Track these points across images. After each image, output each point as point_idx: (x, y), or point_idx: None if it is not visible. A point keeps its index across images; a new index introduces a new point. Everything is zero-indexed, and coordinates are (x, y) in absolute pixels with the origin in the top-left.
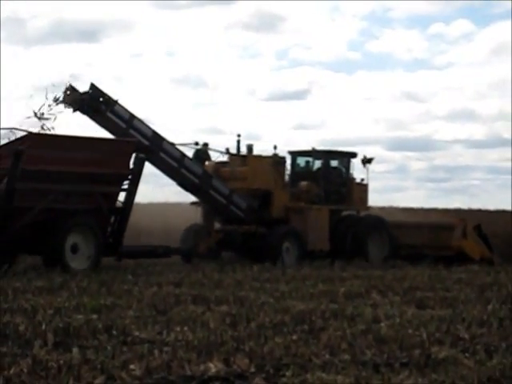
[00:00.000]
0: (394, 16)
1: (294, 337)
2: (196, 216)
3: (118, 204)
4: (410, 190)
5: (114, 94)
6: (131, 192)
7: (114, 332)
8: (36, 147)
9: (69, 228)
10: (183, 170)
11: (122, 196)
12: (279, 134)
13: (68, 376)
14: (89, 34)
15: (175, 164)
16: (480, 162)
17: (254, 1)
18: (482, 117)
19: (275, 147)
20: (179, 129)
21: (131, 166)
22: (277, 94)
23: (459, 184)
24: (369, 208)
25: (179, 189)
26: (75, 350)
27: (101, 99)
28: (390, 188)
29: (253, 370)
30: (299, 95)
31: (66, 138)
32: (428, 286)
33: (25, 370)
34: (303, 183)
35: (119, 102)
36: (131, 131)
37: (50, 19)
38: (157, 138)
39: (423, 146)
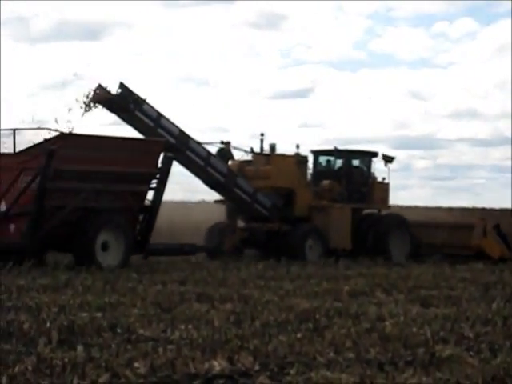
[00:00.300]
0: (398, 15)
1: (299, 335)
2: (220, 214)
3: (147, 202)
4: (415, 189)
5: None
6: (159, 191)
7: (119, 330)
8: (67, 147)
9: (99, 226)
10: (209, 169)
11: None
12: (284, 133)
13: (72, 374)
14: (92, 32)
15: (201, 162)
16: (484, 161)
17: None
18: (486, 115)
19: (298, 146)
20: (184, 128)
21: (159, 165)
22: (281, 93)
23: (463, 182)
24: (390, 207)
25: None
26: (80, 348)
27: (129, 98)
28: (395, 186)
29: (257, 368)
30: (303, 93)
31: (97, 137)
32: (432, 285)
33: (29, 368)
34: (326, 182)
35: (147, 101)
36: (159, 130)
37: (54, 18)
38: (183, 137)
39: (427, 144)
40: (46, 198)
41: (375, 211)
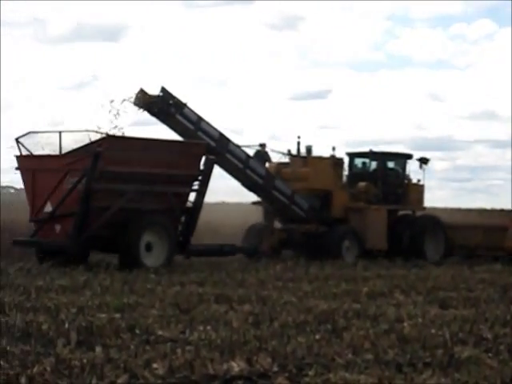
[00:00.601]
0: (416, 16)
1: (317, 336)
2: (258, 215)
3: (189, 204)
4: (434, 190)
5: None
6: (201, 192)
7: (137, 331)
8: (113, 149)
9: (143, 227)
10: (248, 171)
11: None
12: (302, 134)
13: (91, 375)
14: (111, 33)
15: (240, 165)
16: (502, 162)
17: (276, 0)
18: (504, 117)
19: (333, 149)
20: None
21: (201, 167)
22: (299, 94)
23: (481, 184)
24: (425, 208)
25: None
26: (98, 348)
27: (170, 102)
28: None
29: (275, 369)
30: (321, 95)
31: (141, 139)
32: (451, 286)
33: (48, 369)
34: (362, 184)
35: (188, 104)
36: (199, 133)
37: (72, 19)
38: (223, 140)
39: (445, 145)
40: (92, 199)
41: (410, 212)
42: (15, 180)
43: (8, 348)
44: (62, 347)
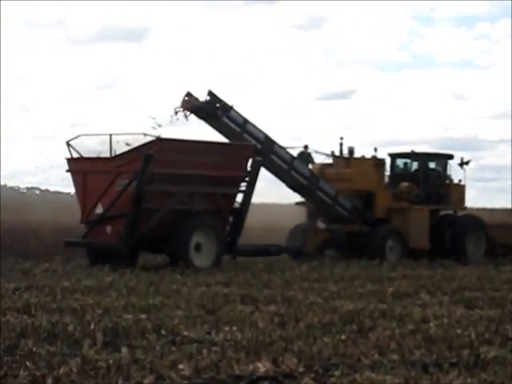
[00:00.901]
0: (440, 16)
1: (343, 337)
2: (300, 216)
3: (236, 205)
4: None
5: (161, 93)
6: (248, 193)
7: (163, 332)
8: (163, 151)
9: (193, 228)
10: (293, 172)
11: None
12: (327, 134)
13: (117, 376)
14: (134, 34)
15: (285, 166)
16: None
17: (301, 0)
18: None
19: (375, 150)
20: None
21: (249, 168)
22: (323, 94)
23: (506, 184)
24: (466, 208)
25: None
26: (124, 349)
27: (217, 105)
28: None
29: (301, 369)
30: (346, 95)
31: (191, 142)
32: (477, 286)
33: (74, 370)
34: (404, 184)
35: (234, 107)
36: (245, 135)
37: (97, 20)
38: (269, 142)
39: (469, 145)
40: (143, 200)
41: (451, 212)
42: (41, 182)
43: (34, 349)
44: (88, 348)
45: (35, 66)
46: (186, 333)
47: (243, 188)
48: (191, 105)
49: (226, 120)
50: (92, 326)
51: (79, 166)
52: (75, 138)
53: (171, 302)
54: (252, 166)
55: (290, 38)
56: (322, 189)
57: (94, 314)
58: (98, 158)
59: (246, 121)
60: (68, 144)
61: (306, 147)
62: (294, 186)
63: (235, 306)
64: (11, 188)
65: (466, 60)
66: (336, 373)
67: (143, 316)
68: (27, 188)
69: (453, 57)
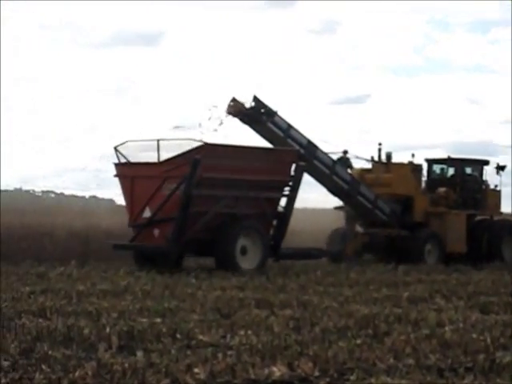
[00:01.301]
0: (455, 20)
1: (358, 341)
2: (338, 220)
3: (280, 209)
4: None
5: (182, 97)
6: (292, 198)
7: (178, 335)
8: (210, 156)
9: (239, 231)
10: (334, 177)
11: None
12: (343, 138)
13: (132, 379)
14: (148, 38)
15: (327, 171)
16: None
17: (315, 1)
18: None
19: (413, 155)
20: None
21: (292, 173)
22: (338, 99)
23: None
24: (502, 213)
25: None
26: (139, 353)
27: (262, 110)
28: None
29: (317, 374)
30: (360, 99)
31: (236, 147)
32: (492, 291)
33: (89, 373)
34: (441, 189)
35: (278, 113)
36: (288, 140)
37: (112, 24)
38: (311, 147)
39: (484, 150)
40: (190, 204)
41: (487, 217)
42: (58, 185)
43: (50, 352)
44: (104, 351)
45: (48, 69)
46: (201, 337)
47: (287, 192)
48: (237, 110)
49: (270, 125)
50: (107, 330)
51: (127, 171)
52: (122, 143)
53: (186, 306)
54: (295, 171)
55: (305, 41)
56: (362, 193)
57: (110, 317)
58: (146, 163)
59: (289, 126)
60: (115, 149)
61: (345, 152)
62: (335, 190)
63: (250, 310)
64: (27, 191)
65: (480, 65)
66: (351, 377)
67: (158, 320)
68: (42, 191)
69: (467, 61)
